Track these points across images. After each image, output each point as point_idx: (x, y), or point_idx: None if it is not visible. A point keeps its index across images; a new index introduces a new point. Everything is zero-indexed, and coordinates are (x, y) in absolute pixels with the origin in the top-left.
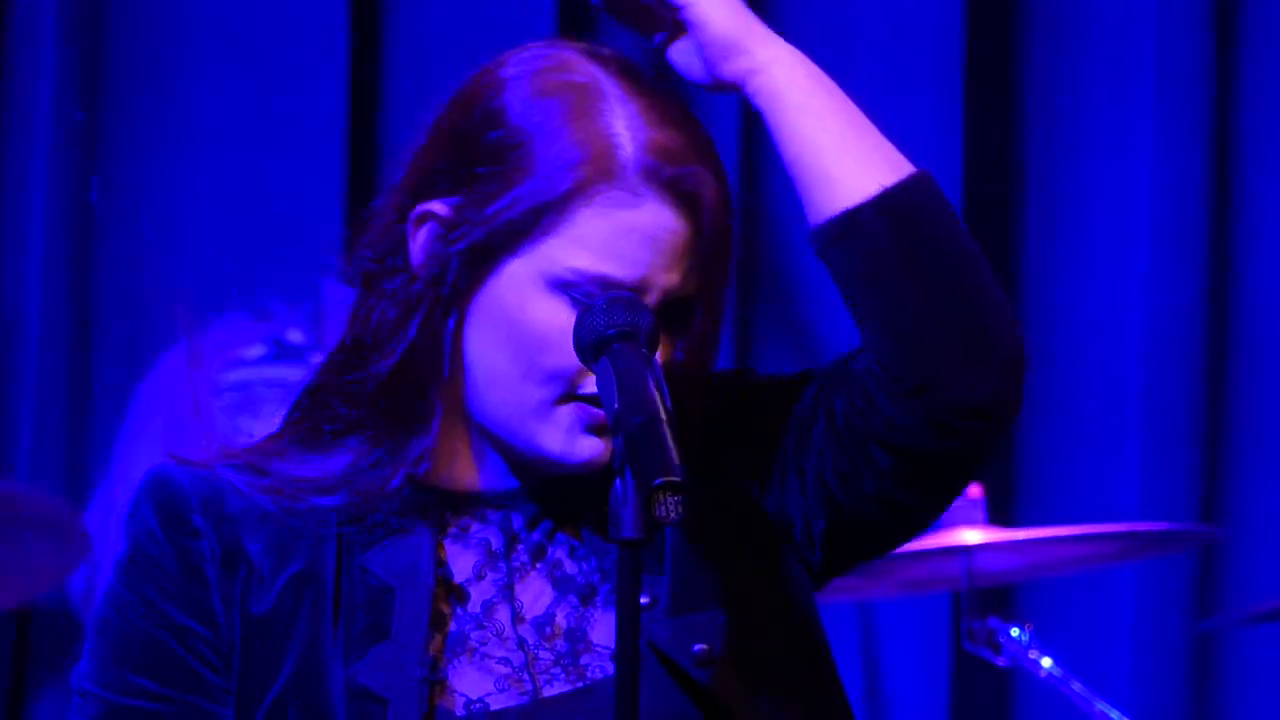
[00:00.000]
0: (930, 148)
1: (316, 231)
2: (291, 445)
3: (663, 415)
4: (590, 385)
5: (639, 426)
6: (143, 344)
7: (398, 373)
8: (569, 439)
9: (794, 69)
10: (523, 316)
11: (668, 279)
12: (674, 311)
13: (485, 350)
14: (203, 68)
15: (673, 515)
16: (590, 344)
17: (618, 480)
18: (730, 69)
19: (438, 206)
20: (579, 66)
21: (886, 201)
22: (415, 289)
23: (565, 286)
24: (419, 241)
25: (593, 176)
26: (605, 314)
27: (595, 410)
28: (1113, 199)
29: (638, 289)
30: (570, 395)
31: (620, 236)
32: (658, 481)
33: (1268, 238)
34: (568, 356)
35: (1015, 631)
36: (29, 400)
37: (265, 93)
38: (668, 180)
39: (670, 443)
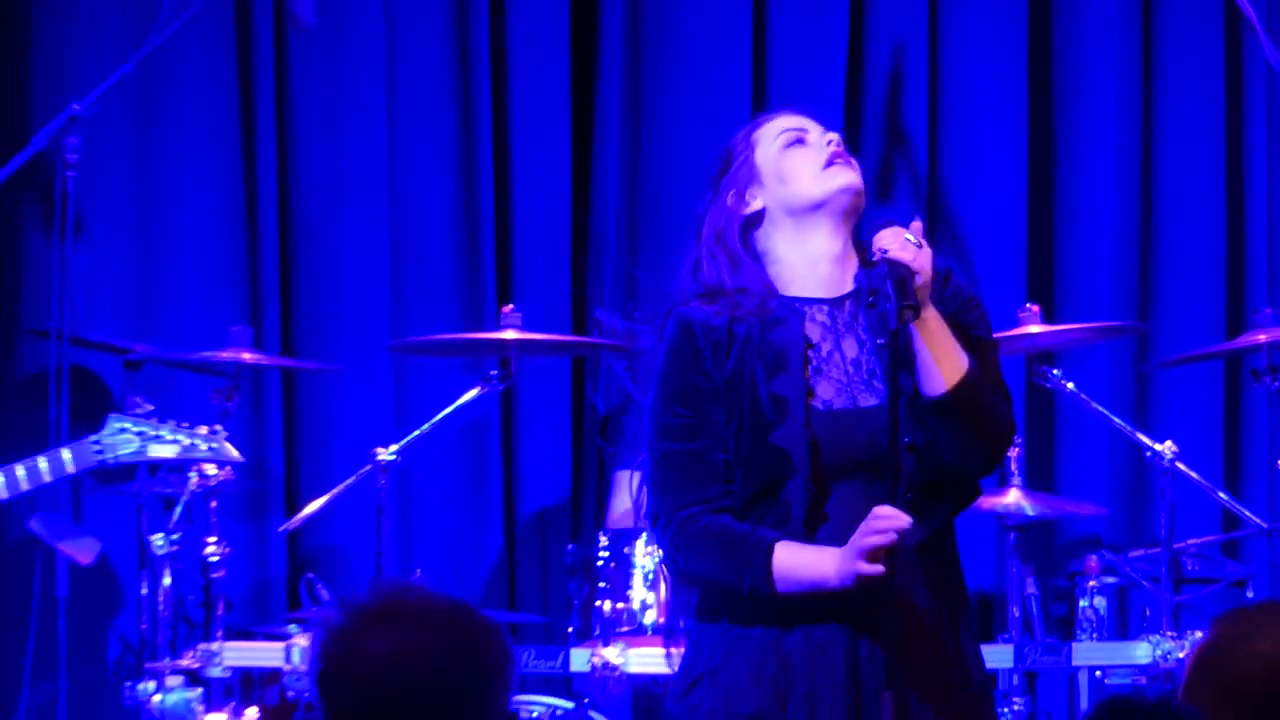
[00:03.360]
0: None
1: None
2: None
3: (908, 275)
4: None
5: (897, 281)
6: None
7: (747, 262)
8: (824, 177)
9: (929, 322)
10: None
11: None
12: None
13: (779, 219)
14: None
15: (909, 320)
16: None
17: (889, 304)
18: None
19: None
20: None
21: (954, 391)
22: (740, 233)
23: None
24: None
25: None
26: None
27: (837, 151)
28: (1096, 154)
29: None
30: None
31: None
32: (903, 302)
33: (1182, 179)
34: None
35: (1056, 372)
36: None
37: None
38: None
39: (911, 287)
